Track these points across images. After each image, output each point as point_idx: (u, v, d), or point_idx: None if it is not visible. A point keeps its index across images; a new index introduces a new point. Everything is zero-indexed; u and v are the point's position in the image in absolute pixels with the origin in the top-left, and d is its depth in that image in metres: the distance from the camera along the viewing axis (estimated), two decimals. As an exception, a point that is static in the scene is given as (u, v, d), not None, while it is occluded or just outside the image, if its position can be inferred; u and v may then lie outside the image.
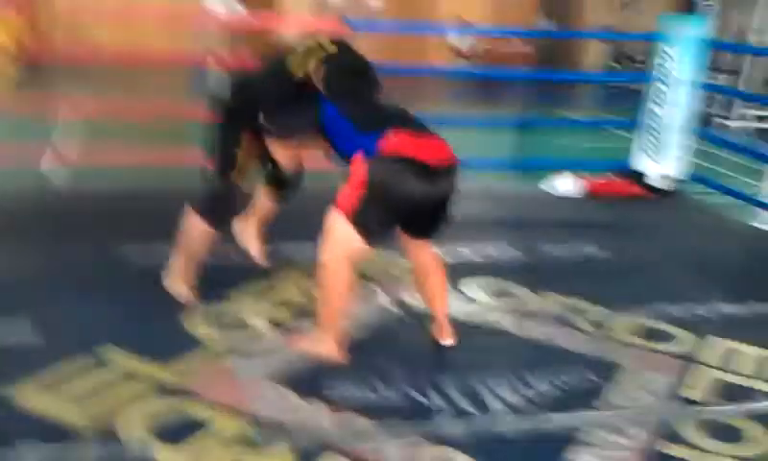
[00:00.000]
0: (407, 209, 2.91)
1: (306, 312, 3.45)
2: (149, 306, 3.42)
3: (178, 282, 3.52)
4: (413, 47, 13.49)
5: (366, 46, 3.47)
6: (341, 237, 2.83)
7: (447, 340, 3.31)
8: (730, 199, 6.71)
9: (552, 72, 11.78)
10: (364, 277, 3.79)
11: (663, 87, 6.06)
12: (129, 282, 3.68)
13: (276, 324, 3.39)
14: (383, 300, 3.72)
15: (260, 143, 3.34)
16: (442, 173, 2.88)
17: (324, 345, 3.04)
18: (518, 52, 15.48)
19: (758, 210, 5.79)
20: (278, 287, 3.76)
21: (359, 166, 2.84)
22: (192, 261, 3.51)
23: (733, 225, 5.92)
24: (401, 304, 3.68)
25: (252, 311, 3.47)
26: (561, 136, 7.64)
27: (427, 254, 3.23)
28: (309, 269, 3.44)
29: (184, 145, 4.67)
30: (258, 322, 3.38)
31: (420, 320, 3.46)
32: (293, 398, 2.78)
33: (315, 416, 2.69)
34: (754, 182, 7.34)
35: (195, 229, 3.43)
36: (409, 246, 3.22)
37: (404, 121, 2.97)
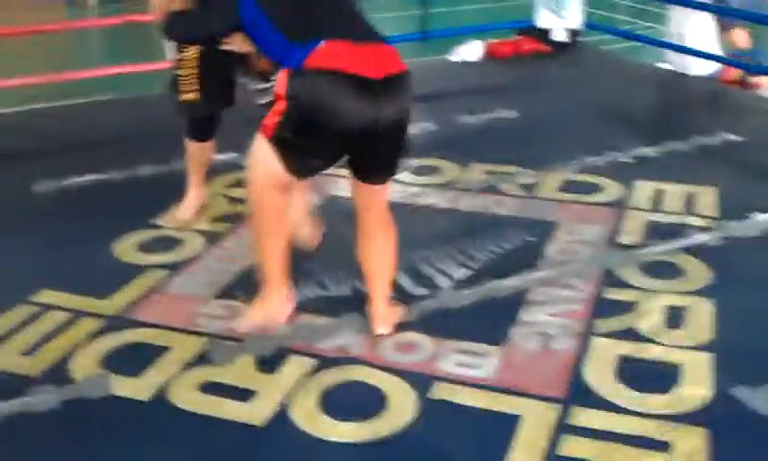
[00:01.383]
0: (342, 135, 2.33)
1: (240, 218, 3.38)
2: (75, 240, 3.26)
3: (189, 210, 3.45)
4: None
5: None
6: (260, 164, 2.41)
7: (382, 328, 2.62)
8: (628, 43, 6.83)
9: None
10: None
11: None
12: (47, 217, 3.50)
13: (212, 237, 3.30)
14: (315, 196, 3.66)
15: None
16: (384, 88, 2.31)
17: (268, 308, 2.66)
18: None
19: (658, 50, 5.90)
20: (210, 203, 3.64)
21: (280, 82, 2.34)
22: (201, 183, 3.48)
23: (637, 68, 6.04)
24: (334, 198, 3.64)
25: (186, 229, 3.37)
26: (457, 3, 7.55)
27: (376, 213, 2.59)
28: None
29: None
30: (194, 238, 3.29)
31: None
32: (243, 308, 2.73)
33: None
34: (646, 24, 7.46)
35: (191, 151, 3.39)
36: (357, 196, 2.58)
37: (344, 25, 2.42)
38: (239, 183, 3.73)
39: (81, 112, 5.02)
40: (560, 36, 6.14)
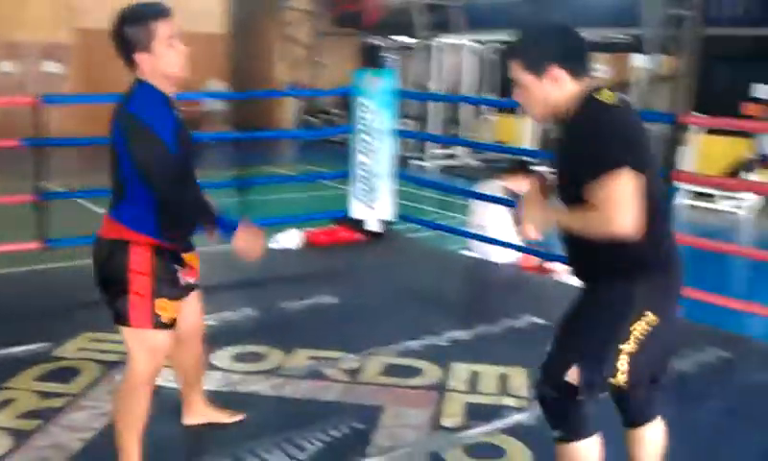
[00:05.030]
0: None
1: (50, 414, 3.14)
2: None
3: None
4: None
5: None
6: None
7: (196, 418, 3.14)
8: (437, 232, 7.28)
9: (256, 131, 11.96)
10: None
11: (367, 138, 6.43)
12: None
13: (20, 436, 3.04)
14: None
15: None
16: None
17: None
18: (209, 113, 15.55)
19: (463, 238, 6.33)
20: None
21: None
22: None
23: (445, 255, 6.43)
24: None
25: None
26: (276, 193, 7.77)
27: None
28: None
29: None
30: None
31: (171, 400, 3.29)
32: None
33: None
34: (451, 214, 8.00)
35: None
36: None
37: None
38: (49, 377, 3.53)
39: None
40: (373, 225, 6.45)
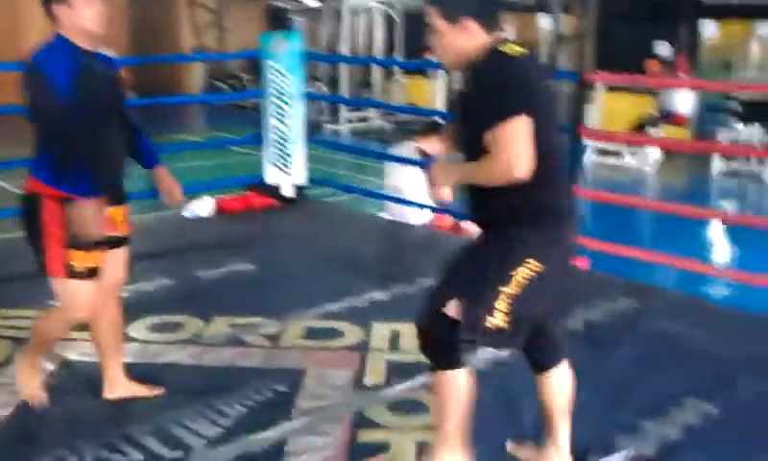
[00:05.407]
0: None
1: None
2: None
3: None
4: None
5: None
6: None
7: (117, 392, 3.14)
8: (350, 196, 7.30)
9: (163, 97, 11.65)
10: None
11: (279, 102, 6.35)
12: None
13: None
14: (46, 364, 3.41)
15: None
16: None
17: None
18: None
19: (378, 201, 6.38)
20: None
21: None
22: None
23: (360, 218, 6.46)
24: (67, 365, 3.41)
25: None
26: (186, 160, 7.61)
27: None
28: None
29: None
30: None
31: (92, 374, 3.23)
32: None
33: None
34: (365, 177, 8.03)
35: None
36: None
37: None
38: None
39: None
40: (287, 191, 6.41)
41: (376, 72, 15.30)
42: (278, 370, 3.42)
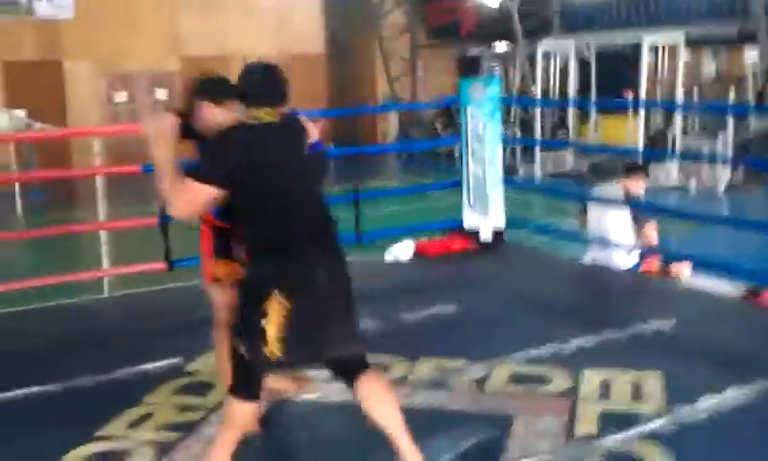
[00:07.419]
0: None
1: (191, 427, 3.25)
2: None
3: None
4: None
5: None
6: None
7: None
8: (547, 237, 7.15)
9: (360, 147, 12.17)
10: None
11: (476, 146, 6.40)
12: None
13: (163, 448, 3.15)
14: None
15: None
16: None
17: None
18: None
19: (573, 244, 6.23)
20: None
21: None
22: None
23: (561, 262, 6.31)
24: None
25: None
26: (387, 206, 7.82)
27: None
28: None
29: None
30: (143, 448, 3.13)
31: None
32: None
33: None
34: (560, 219, 7.86)
35: None
36: None
37: None
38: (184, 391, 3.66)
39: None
40: (486, 234, 6.40)
41: (570, 113, 15.08)
42: (487, 415, 3.38)
